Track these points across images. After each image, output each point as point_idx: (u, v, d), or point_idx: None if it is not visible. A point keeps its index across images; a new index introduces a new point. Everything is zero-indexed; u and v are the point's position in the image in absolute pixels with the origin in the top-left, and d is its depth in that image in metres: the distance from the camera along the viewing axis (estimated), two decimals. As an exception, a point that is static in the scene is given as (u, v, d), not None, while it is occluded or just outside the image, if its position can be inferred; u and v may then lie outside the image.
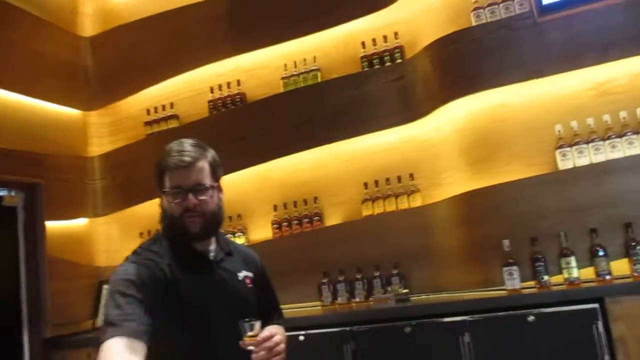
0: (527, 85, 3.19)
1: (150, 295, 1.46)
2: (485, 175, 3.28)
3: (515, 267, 2.92)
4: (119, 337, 1.34)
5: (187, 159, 1.57)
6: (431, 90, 3.43)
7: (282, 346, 1.55)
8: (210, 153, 1.65)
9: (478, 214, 3.24)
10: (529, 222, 3.07)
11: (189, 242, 1.61)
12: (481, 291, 3.13)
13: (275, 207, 3.89)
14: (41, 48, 4.18)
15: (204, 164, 1.60)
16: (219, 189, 1.67)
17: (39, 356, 3.76)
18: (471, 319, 2.79)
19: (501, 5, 3.26)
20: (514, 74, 3.15)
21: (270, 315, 1.78)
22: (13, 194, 3.87)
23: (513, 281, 2.91)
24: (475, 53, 3.26)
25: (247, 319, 1.51)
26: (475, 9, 3.32)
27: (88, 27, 4.71)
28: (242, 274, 1.70)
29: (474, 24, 3.31)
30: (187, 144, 1.61)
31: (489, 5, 3.29)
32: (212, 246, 1.68)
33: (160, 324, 1.46)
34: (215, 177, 1.64)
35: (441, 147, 3.55)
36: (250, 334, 1.50)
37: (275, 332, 1.54)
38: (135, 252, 1.62)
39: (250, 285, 1.70)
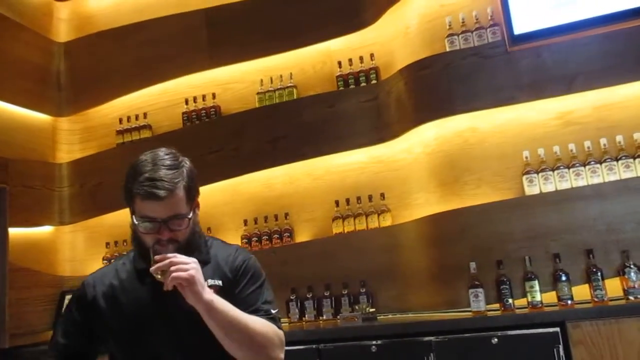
0: (498, 112, 3.27)
1: (86, 315, 1.59)
2: (454, 198, 3.34)
3: (480, 289, 2.97)
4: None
5: (161, 192, 1.41)
6: (404, 112, 3.49)
7: (187, 266, 1.36)
8: (186, 170, 1.50)
9: (446, 236, 3.29)
10: (496, 245, 3.13)
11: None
12: (447, 312, 3.17)
13: (245, 222, 3.88)
14: (12, 49, 4.12)
15: (179, 192, 1.44)
16: (196, 207, 1.55)
17: (-5, 367, 3.65)
18: (437, 339, 2.82)
19: (474, 32, 3.35)
20: (485, 100, 3.24)
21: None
22: (-24, 198, 3.77)
23: (478, 303, 2.96)
24: (447, 78, 3.33)
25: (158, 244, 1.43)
26: (449, 35, 3.41)
27: (63, 32, 4.66)
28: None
29: (447, 49, 3.39)
30: (161, 164, 1.46)
31: (463, 32, 3.38)
32: None
33: (101, 342, 1.59)
34: (191, 199, 1.50)
35: (412, 168, 3.61)
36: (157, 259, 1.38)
37: (190, 260, 1.38)
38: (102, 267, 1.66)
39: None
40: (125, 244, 4.20)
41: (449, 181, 3.38)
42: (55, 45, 4.55)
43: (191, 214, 1.49)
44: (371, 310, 3.33)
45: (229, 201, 4.00)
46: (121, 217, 4.20)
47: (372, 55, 3.78)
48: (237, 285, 1.56)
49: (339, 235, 3.65)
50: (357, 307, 3.37)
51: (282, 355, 1.52)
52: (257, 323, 1.47)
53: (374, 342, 2.92)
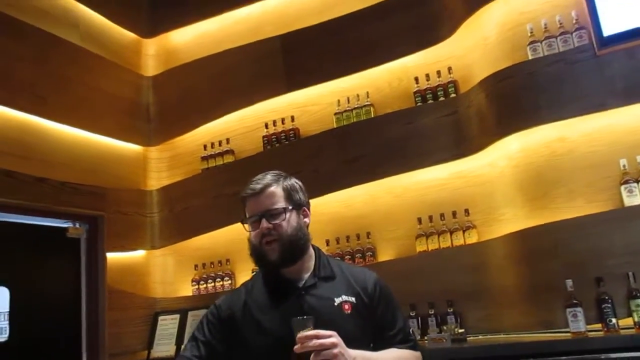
0: (587, 119, 3.09)
1: (216, 335, 1.63)
2: (545, 212, 3.17)
3: (579, 309, 2.77)
4: None
5: (257, 186, 1.62)
6: (486, 125, 3.38)
7: (334, 350, 1.37)
8: (289, 180, 1.69)
9: (537, 252, 3.12)
10: (593, 261, 2.92)
11: (274, 270, 1.62)
12: (542, 333, 2.99)
13: (327, 242, 3.88)
14: (106, 86, 4.41)
15: (276, 189, 1.63)
16: (302, 213, 1.68)
17: (96, 385, 3.84)
18: (533, 362, 2.66)
19: (559, 38, 3.20)
20: (573, 108, 3.07)
21: (384, 340, 1.64)
22: (77, 225, 4.04)
23: (577, 323, 2.76)
24: (531, 87, 3.20)
25: (299, 317, 1.42)
26: (531, 42, 3.28)
27: (150, 67, 4.95)
28: (340, 299, 1.60)
29: (530, 57, 3.26)
30: (267, 173, 1.67)
31: (546, 38, 3.24)
32: (307, 273, 1.64)
33: None
34: (292, 201, 1.64)
35: (497, 182, 3.47)
36: (303, 333, 1.38)
37: (331, 334, 1.39)
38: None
39: (348, 311, 1.59)
40: (212, 265, 4.33)
41: (538, 195, 3.22)
42: (144, 80, 4.84)
43: (290, 210, 1.62)
44: (460, 331, 3.21)
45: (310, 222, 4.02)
46: (207, 240, 4.36)
47: (449, 69, 3.71)
48: (377, 307, 1.65)
49: (423, 254, 3.57)
50: (445, 328, 3.26)
51: None
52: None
53: (464, 365, 2.80)
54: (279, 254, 1.57)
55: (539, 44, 3.25)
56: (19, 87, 3.68)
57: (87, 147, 4.15)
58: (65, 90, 4.02)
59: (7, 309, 3.57)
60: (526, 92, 3.21)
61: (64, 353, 3.79)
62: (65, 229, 3.98)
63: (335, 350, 1.37)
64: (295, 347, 1.37)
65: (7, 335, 3.53)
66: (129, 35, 4.81)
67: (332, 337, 1.38)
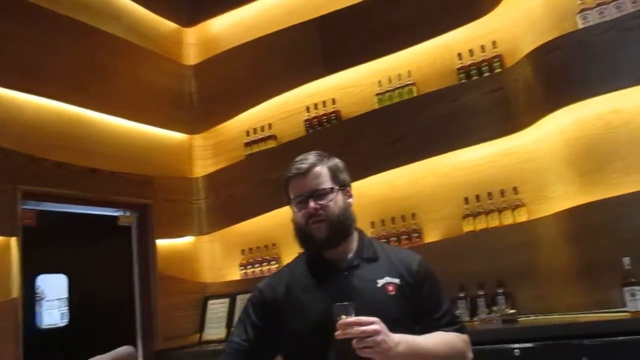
0: (645, 89, 2.93)
1: (262, 317, 1.63)
2: (599, 188, 3.04)
3: (638, 287, 2.66)
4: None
5: (303, 165, 1.60)
6: (534, 100, 3.26)
7: (377, 338, 1.33)
8: (332, 160, 1.66)
9: (591, 230, 3.00)
10: (652, 238, 2.80)
11: (318, 250, 1.61)
12: (597, 313, 2.89)
13: (372, 224, 3.86)
14: (150, 77, 4.49)
15: (322, 169, 1.61)
16: (346, 193, 1.66)
17: (151, 368, 3.98)
18: (589, 342, 2.57)
19: (611, 4, 3.04)
20: (628, 77, 2.91)
21: (429, 323, 1.60)
22: (127, 214, 4.16)
23: (636, 302, 2.66)
24: (582, 58, 3.05)
25: (340, 303, 1.38)
26: (581, 10, 3.13)
27: (192, 56, 5.00)
28: (383, 281, 1.58)
29: (580, 27, 3.12)
30: (309, 154, 1.65)
31: (597, 5, 3.08)
32: (350, 254, 1.63)
33: (282, 344, 1.61)
34: (338, 181, 1.63)
35: (546, 158, 3.35)
36: (344, 320, 1.35)
37: (373, 320, 1.36)
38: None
39: (392, 293, 1.57)
40: (259, 250, 4.39)
41: (591, 169, 3.09)
42: (186, 69, 4.90)
43: (337, 191, 1.61)
44: (511, 311, 3.14)
45: (354, 205, 4.00)
46: (253, 225, 4.41)
47: (494, 43, 3.59)
48: (421, 289, 1.62)
49: (471, 234, 3.50)
50: (495, 309, 3.19)
51: (471, 355, 1.64)
52: (448, 344, 1.56)
53: (516, 346, 2.74)
54: (325, 234, 1.56)
55: (589, 11, 3.10)
56: (67, 82, 3.79)
57: (134, 137, 4.25)
58: (111, 82, 4.11)
59: (66, 295, 3.73)
60: (576, 63, 3.07)
61: (119, 337, 3.93)
62: (116, 218, 4.11)
63: (379, 338, 1.34)
64: (336, 333, 1.35)
65: (67, 319, 3.69)
66: (169, 25, 4.87)
67: (375, 324, 1.35)
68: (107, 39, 4.18)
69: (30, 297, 3.45)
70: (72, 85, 3.82)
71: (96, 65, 4.03)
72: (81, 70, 3.91)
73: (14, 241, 3.26)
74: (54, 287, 3.71)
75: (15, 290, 3.19)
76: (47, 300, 3.69)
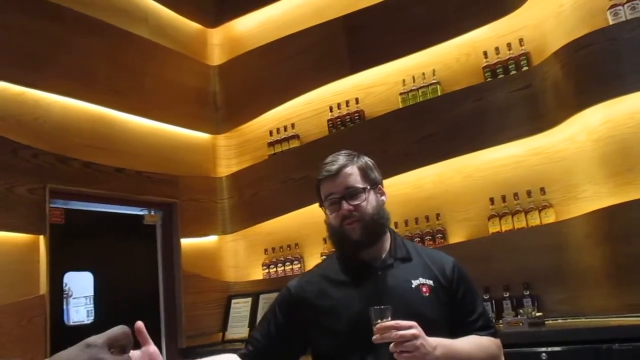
0: (679, 86, 2.84)
1: (288, 316, 1.61)
2: (630, 188, 2.96)
3: (671, 291, 2.58)
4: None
5: (334, 167, 1.59)
6: (563, 98, 3.19)
7: (416, 342, 1.31)
8: (362, 159, 1.65)
9: (623, 231, 2.92)
10: (685, 240, 2.71)
11: (354, 251, 1.60)
12: (628, 317, 2.81)
13: (396, 224, 3.82)
14: (175, 77, 4.53)
15: (352, 169, 1.60)
16: (378, 192, 1.65)
17: (175, 365, 4.01)
18: (620, 347, 2.50)
19: (643, -1, 2.96)
20: (661, 75, 2.83)
21: (463, 327, 1.58)
22: (153, 213, 4.21)
23: (669, 306, 2.58)
24: (613, 54, 2.98)
25: (378, 306, 1.35)
26: (611, 6, 3.05)
27: (216, 56, 5.04)
28: (417, 282, 1.56)
29: (611, 23, 3.04)
30: (338, 154, 1.65)
31: (629, 1, 3.00)
32: (383, 253, 1.62)
33: (315, 344, 1.60)
34: (369, 180, 1.62)
35: (575, 158, 3.28)
36: (382, 323, 1.33)
37: (411, 324, 1.33)
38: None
39: (427, 294, 1.55)
40: (282, 250, 4.39)
41: (623, 170, 3.01)
42: (210, 69, 4.93)
43: (368, 190, 1.59)
44: (538, 314, 3.08)
45: (378, 204, 3.97)
46: (276, 225, 4.41)
47: (521, 41, 3.53)
48: (456, 292, 1.61)
49: (496, 235, 3.44)
50: (521, 311, 3.13)
51: (503, 359, 1.63)
52: (483, 348, 1.54)
53: (544, 349, 2.68)
54: (360, 234, 1.55)
55: (620, 7, 3.02)
56: (94, 82, 3.85)
57: (159, 137, 4.30)
58: (137, 83, 4.17)
59: (92, 293, 3.78)
60: (607, 60, 2.99)
61: (145, 334, 3.96)
62: (141, 217, 4.15)
63: (418, 343, 1.32)
64: (374, 337, 1.33)
65: (92, 317, 3.74)
66: (194, 26, 4.91)
67: (413, 329, 1.33)
68: (134, 40, 4.23)
69: (58, 295, 3.50)
70: (100, 85, 3.88)
71: (123, 66, 4.08)
72: (110, 72, 3.96)
73: (42, 239, 3.32)
74: (81, 285, 3.77)
75: (43, 287, 3.25)
76: (74, 298, 3.75)
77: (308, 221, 4.02)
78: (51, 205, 3.43)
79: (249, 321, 4.18)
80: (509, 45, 3.57)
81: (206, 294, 4.34)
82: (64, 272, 3.62)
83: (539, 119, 3.32)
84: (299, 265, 4.25)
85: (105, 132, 3.89)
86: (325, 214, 1.63)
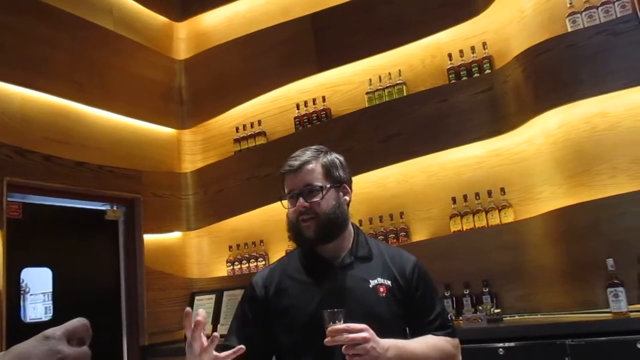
0: (631, 93, 2.96)
1: (256, 313, 1.61)
2: (585, 190, 3.08)
3: (621, 289, 2.69)
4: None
5: (296, 162, 1.59)
6: (523, 101, 3.29)
7: (367, 346, 1.32)
8: (328, 156, 1.63)
9: (577, 231, 3.04)
10: (635, 240, 2.83)
11: (309, 247, 1.60)
12: (582, 313, 2.93)
13: (360, 222, 3.87)
14: (140, 70, 4.46)
15: (315, 166, 1.58)
16: (342, 190, 1.63)
17: (137, 363, 3.96)
18: (572, 342, 2.60)
19: (600, 8, 3.07)
20: (616, 81, 2.94)
21: (420, 326, 1.59)
22: (115, 208, 4.13)
23: (619, 303, 2.69)
24: (571, 60, 3.08)
25: (330, 309, 1.36)
26: (570, 14, 3.16)
27: (182, 51, 4.98)
28: (375, 282, 1.56)
29: (569, 30, 3.14)
30: (307, 149, 1.63)
31: (586, 9, 3.11)
32: (344, 252, 1.61)
33: (275, 340, 1.59)
34: (332, 178, 1.59)
35: (534, 160, 3.38)
36: (334, 326, 1.34)
37: (362, 327, 1.34)
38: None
39: (383, 294, 1.55)
40: (246, 246, 4.38)
41: (578, 172, 3.12)
42: (176, 63, 4.87)
43: (327, 189, 1.58)
44: (496, 311, 3.17)
45: (343, 202, 4.01)
46: (241, 222, 4.40)
47: (484, 44, 3.62)
48: (414, 292, 1.61)
49: (458, 233, 3.52)
50: (480, 308, 3.22)
51: (460, 358, 1.65)
52: (438, 348, 1.55)
53: (501, 345, 2.76)
54: (314, 232, 1.54)
55: (578, 15, 3.13)
56: (56, 74, 3.75)
57: (123, 131, 4.22)
58: (100, 75, 4.08)
59: (51, 289, 3.70)
60: (566, 65, 3.10)
61: (105, 331, 3.91)
62: (103, 212, 4.08)
63: (368, 346, 1.33)
64: (326, 340, 1.34)
65: (51, 314, 3.66)
66: (160, 19, 4.84)
67: (364, 332, 1.33)
68: (100, 32, 4.15)
69: (14, 291, 3.41)
70: (64, 77, 3.79)
71: (86, 57, 3.99)
72: (73, 63, 3.87)
73: (-2, 234, 3.23)
74: (39, 281, 3.67)
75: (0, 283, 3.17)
76: (32, 294, 3.66)
77: (273, 218, 4.03)
78: (8, 199, 3.34)
79: (212, 318, 4.15)
80: (472, 48, 3.66)
81: (169, 290, 4.30)
82: (21, 268, 3.52)
83: (499, 121, 3.42)
84: (263, 262, 4.25)
85: (66, 125, 3.80)
86: (284, 207, 1.63)
